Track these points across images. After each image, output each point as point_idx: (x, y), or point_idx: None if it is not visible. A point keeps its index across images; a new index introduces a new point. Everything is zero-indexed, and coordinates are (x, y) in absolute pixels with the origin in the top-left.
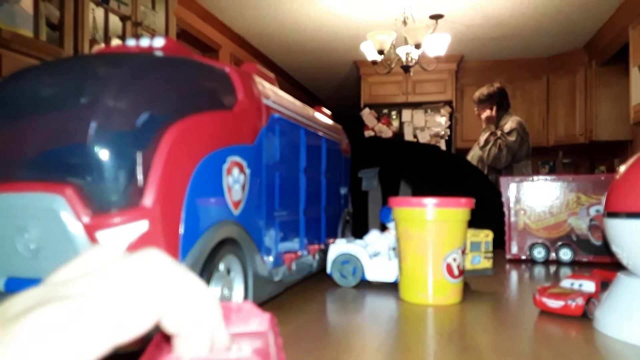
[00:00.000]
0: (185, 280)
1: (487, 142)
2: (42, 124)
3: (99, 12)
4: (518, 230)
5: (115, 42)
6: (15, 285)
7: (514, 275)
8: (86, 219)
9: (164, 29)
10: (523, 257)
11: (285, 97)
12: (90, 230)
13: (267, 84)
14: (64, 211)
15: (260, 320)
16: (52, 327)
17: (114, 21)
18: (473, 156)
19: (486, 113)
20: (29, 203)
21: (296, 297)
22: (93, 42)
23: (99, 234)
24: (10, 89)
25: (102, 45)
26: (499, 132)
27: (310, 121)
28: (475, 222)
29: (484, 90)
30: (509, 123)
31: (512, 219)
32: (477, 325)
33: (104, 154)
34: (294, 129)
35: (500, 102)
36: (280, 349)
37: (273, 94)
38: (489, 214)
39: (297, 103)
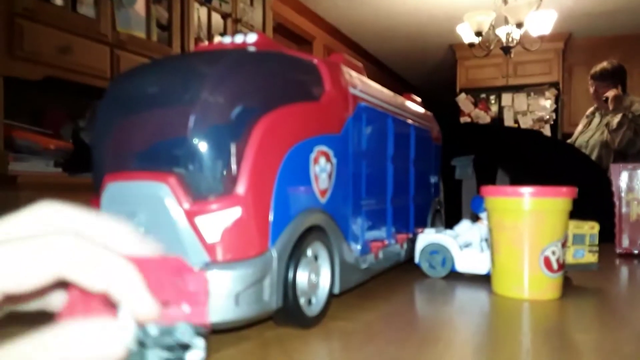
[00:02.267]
0: (89, 245)
1: (620, 124)
2: (150, 119)
3: (203, 12)
4: (630, 222)
5: (217, 39)
6: None
7: (623, 271)
8: (187, 205)
9: (262, 23)
10: (636, 252)
11: (373, 86)
12: (190, 216)
13: (354, 74)
14: (168, 198)
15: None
16: None
17: (216, 19)
18: (594, 141)
19: (612, 92)
20: (139, 191)
21: (383, 285)
22: (198, 40)
23: (198, 219)
24: (123, 87)
25: (206, 42)
26: (629, 115)
27: (398, 109)
28: (582, 212)
29: (606, 66)
30: (637, 104)
31: (624, 209)
32: (577, 323)
33: (202, 146)
34: (381, 118)
35: (624, 80)
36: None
37: (360, 83)
38: (598, 204)
39: (385, 91)
